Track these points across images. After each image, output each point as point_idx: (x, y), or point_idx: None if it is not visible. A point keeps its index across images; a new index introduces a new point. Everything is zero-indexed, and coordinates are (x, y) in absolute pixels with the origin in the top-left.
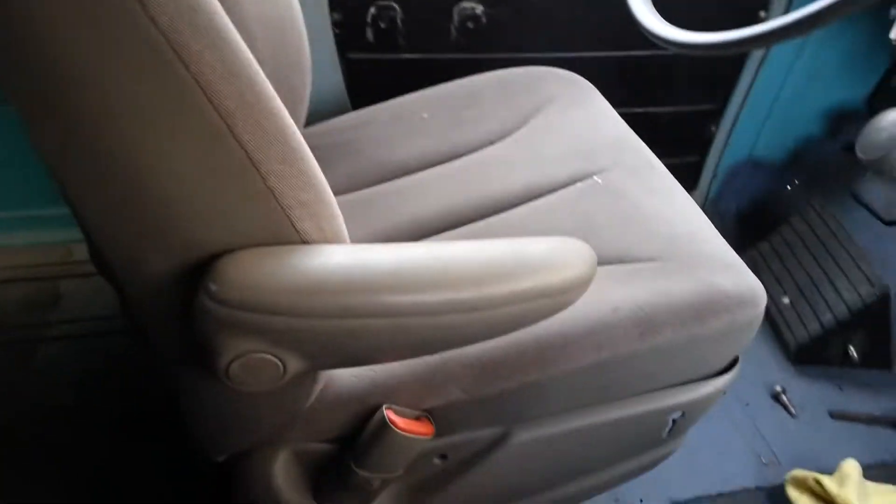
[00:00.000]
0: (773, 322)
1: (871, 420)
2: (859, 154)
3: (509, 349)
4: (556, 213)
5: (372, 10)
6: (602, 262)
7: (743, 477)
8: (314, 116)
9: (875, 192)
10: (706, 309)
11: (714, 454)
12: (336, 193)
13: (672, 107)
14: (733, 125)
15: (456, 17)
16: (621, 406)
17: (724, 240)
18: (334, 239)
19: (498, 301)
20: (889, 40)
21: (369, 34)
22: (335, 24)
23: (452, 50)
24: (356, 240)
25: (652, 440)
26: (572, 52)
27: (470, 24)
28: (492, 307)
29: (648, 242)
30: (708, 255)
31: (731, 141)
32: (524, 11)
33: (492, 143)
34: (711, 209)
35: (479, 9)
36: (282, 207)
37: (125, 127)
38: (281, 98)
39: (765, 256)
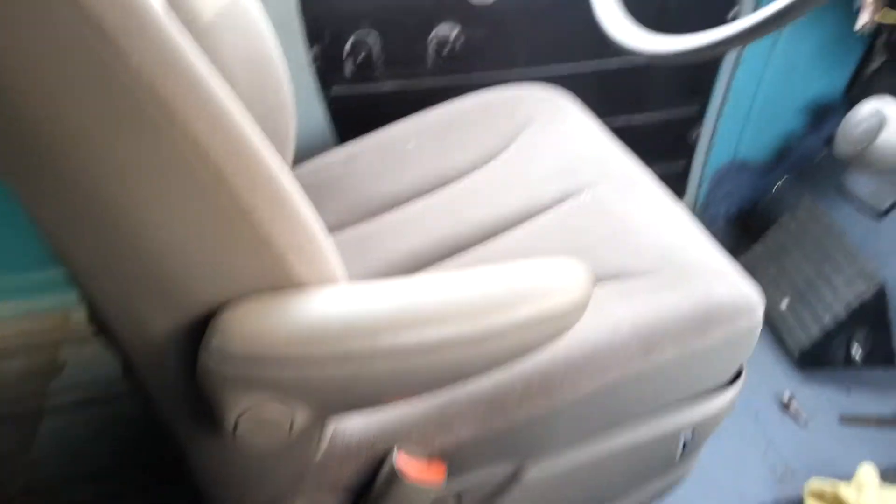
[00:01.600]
0: (774, 328)
1: (881, 422)
2: (838, 151)
3: (514, 381)
4: (548, 234)
5: (350, 42)
6: (598, 280)
7: (760, 492)
8: (301, 155)
9: (863, 183)
10: (706, 321)
11: (728, 471)
12: (329, 232)
13: (653, 114)
14: (715, 128)
15: (432, 43)
16: (632, 430)
17: (717, 246)
18: (332, 279)
19: (498, 331)
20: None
21: (348, 67)
22: (314, 59)
23: (432, 75)
24: (353, 279)
25: (666, 463)
26: (552, 66)
27: (447, 48)
28: (493, 338)
29: (642, 256)
30: (702, 264)
31: (714, 144)
32: (500, 30)
33: (478, 167)
34: (702, 214)
35: (455, 31)
36: (277, 253)
37: (114, 185)
38: (268, 141)
39: (760, 259)
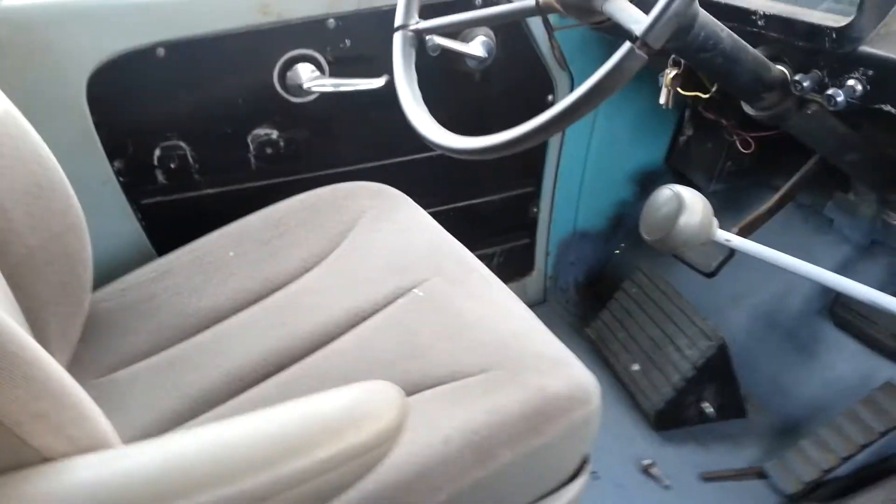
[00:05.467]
0: (629, 392)
1: (738, 475)
2: (645, 237)
3: None
4: (380, 337)
5: (157, 151)
6: (432, 383)
7: None
8: (116, 271)
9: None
10: (541, 417)
11: None
12: (138, 359)
13: (490, 196)
14: (553, 202)
15: (252, 146)
16: None
17: (550, 333)
18: (91, 444)
19: (296, 479)
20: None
21: (160, 176)
22: (118, 173)
23: (254, 178)
24: (163, 412)
25: None
26: (380, 162)
27: (269, 150)
28: (290, 487)
29: (475, 353)
30: (535, 355)
31: (554, 218)
32: (321, 129)
33: (306, 271)
34: (554, 285)
35: (275, 133)
36: (7, 426)
37: None
38: (58, 265)
39: (608, 326)
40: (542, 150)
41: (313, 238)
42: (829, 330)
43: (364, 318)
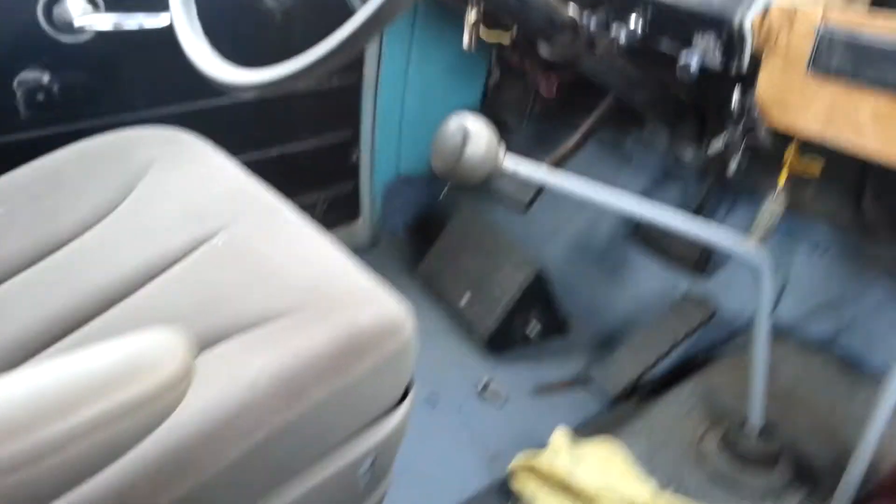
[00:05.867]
0: (462, 321)
1: (566, 385)
2: (435, 167)
3: (145, 468)
4: (177, 290)
5: None
6: (237, 331)
7: (472, 480)
8: None
9: (505, 183)
10: (350, 353)
11: (439, 468)
12: None
13: (307, 141)
14: (373, 148)
15: (19, 91)
16: (299, 481)
17: (362, 270)
18: None
19: (61, 441)
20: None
21: None
22: None
23: (25, 128)
24: None
25: (351, 498)
26: (177, 107)
27: (40, 96)
28: (55, 451)
29: (283, 297)
30: (344, 292)
31: (376, 163)
32: (103, 72)
33: (89, 227)
34: (382, 229)
35: (46, 77)
36: None
37: None
38: None
39: (437, 263)
40: (356, 95)
41: (96, 190)
42: (635, 251)
43: (160, 272)
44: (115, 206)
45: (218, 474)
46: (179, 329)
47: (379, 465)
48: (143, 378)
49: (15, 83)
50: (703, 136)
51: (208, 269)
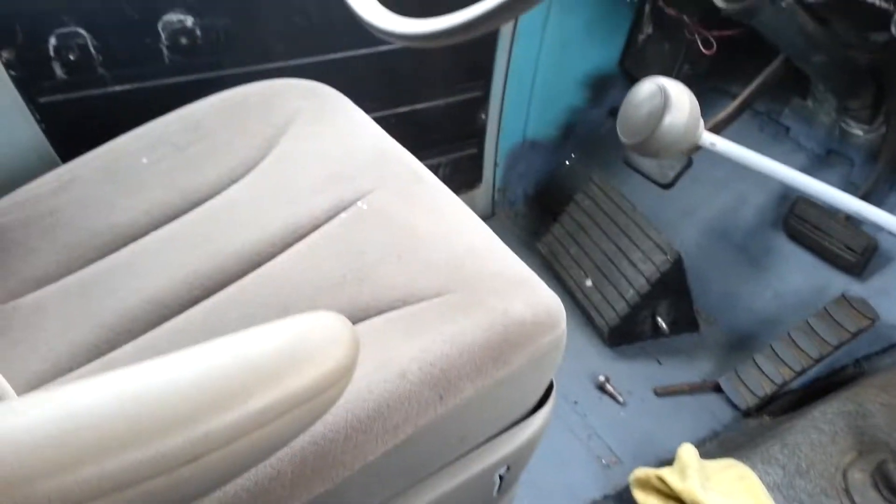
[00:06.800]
0: (583, 309)
1: (692, 389)
2: (623, 139)
3: (281, 465)
4: (322, 256)
5: (52, 40)
6: (383, 308)
7: (588, 484)
8: (13, 181)
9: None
10: (505, 346)
11: (555, 468)
12: (43, 283)
13: (435, 101)
14: (502, 109)
15: (164, 34)
16: (437, 483)
17: (509, 250)
18: None
19: (226, 436)
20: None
21: (58, 70)
22: (7, 66)
23: (169, 74)
24: (76, 344)
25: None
26: (312, 58)
27: (184, 40)
28: (220, 446)
29: (429, 273)
30: (496, 275)
31: (503, 126)
32: (245, 17)
33: (233, 181)
34: (502, 198)
35: (190, 20)
36: None
37: None
38: None
39: (560, 240)
40: (491, 49)
41: (240, 143)
42: (782, 242)
43: (302, 236)
44: (259, 161)
45: (357, 473)
46: (339, 315)
47: (512, 473)
48: (313, 368)
49: (160, 25)
50: (878, 110)
51: (353, 235)
